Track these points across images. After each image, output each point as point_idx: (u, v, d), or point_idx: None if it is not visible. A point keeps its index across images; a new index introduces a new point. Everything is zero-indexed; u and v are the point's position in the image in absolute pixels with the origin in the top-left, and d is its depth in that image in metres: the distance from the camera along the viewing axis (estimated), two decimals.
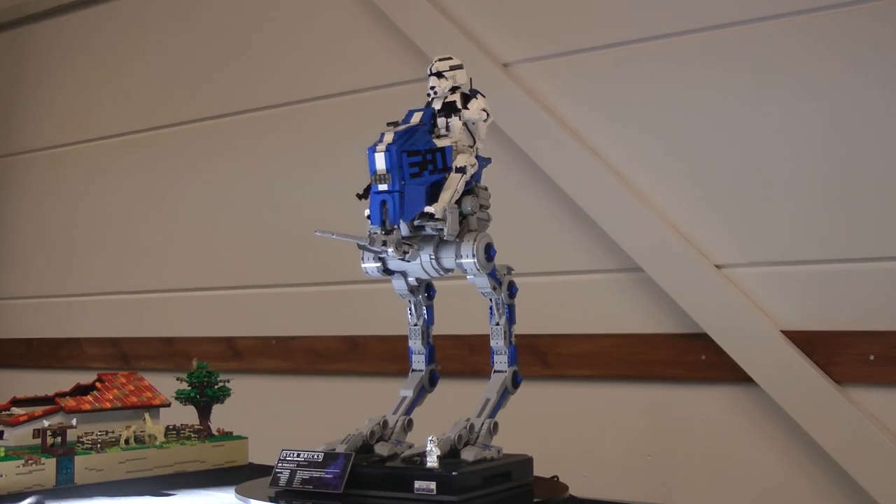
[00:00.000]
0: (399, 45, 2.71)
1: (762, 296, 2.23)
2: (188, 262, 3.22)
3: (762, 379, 2.21)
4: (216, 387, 2.04)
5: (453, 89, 1.54)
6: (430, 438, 1.46)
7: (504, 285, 1.57)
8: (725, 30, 2.28)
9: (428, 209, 1.45)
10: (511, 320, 1.58)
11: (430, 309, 1.62)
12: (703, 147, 2.33)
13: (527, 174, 2.52)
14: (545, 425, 2.45)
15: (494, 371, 1.59)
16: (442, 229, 1.46)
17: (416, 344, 1.62)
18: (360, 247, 1.44)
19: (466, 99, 1.55)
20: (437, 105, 1.54)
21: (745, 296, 2.23)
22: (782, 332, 2.19)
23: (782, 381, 2.18)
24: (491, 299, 1.57)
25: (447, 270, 1.53)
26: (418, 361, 1.62)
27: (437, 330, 1.67)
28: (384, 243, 1.42)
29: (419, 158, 1.42)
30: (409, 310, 1.61)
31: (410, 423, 1.60)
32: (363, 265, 1.53)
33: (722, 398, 2.29)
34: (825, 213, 2.17)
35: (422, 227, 1.46)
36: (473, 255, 1.50)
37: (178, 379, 2.03)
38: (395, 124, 1.50)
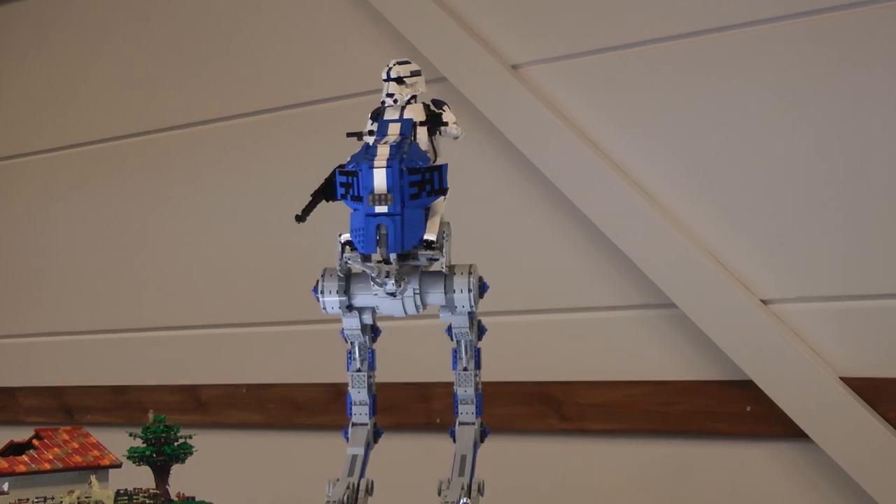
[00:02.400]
0: (392, 44, 2.74)
1: (817, 336, 2.23)
2: (143, 298, 3.22)
3: (817, 434, 2.20)
4: (176, 444, 2.02)
5: (411, 98, 1.56)
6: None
7: (475, 325, 1.59)
8: (770, 25, 2.29)
9: (428, 236, 1.46)
10: (478, 365, 1.60)
11: (372, 353, 1.63)
12: (743, 162, 2.34)
13: (537, 192, 2.53)
14: (562, 487, 2.47)
15: (460, 423, 1.61)
16: (438, 259, 1.48)
17: (360, 394, 1.62)
18: (374, 280, 1.46)
19: (439, 109, 1.57)
20: (392, 114, 1.55)
21: (797, 336, 2.24)
22: (841, 378, 2.19)
23: (841, 437, 2.17)
24: (461, 341, 1.59)
25: (423, 307, 1.55)
26: (361, 414, 1.63)
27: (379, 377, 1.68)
28: (387, 275, 1.44)
29: (419, 178, 1.43)
30: (352, 353, 1.61)
31: (372, 485, 1.60)
32: (324, 299, 1.54)
33: (770, 456, 2.29)
34: (890, 239, 2.18)
35: (406, 257, 1.47)
36: (470, 290, 1.52)
37: (130, 435, 2.01)
38: (358, 135, 1.53)
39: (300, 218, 1.52)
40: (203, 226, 3.14)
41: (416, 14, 2.67)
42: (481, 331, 1.60)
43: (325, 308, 1.55)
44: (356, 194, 1.43)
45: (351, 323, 1.58)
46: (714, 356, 2.33)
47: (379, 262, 1.43)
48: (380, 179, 1.41)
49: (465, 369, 1.59)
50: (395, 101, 1.55)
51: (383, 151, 1.43)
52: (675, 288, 2.35)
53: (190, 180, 3.17)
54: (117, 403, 3.20)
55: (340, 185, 1.43)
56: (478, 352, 1.60)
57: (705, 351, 2.34)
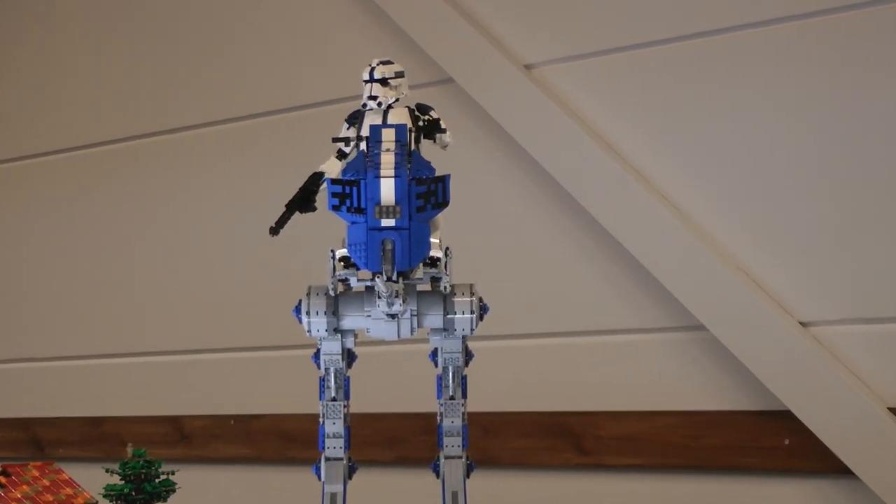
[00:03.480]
0: (394, 42, 2.73)
1: (862, 362, 2.22)
2: (120, 320, 3.21)
3: (863, 470, 2.19)
4: (157, 480, 1.99)
5: (393, 101, 1.58)
6: None
7: (463, 351, 1.60)
8: (807, 21, 2.31)
9: (435, 253, 1.48)
10: (465, 393, 1.61)
11: (347, 380, 1.63)
12: (778, 170, 2.34)
13: (552, 203, 2.54)
14: None
15: (445, 457, 1.62)
16: (440, 278, 1.50)
17: (335, 425, 1.62)
18: (382, 299, 1.45)
19: (423, 114, 1.59)
20: (374, 119, 1.57)
21: (840, 362, 2.23)
22: (889, 409, 2.18)
23: (889, 473, 2.16)
24: (448, 368, 1.60)
25: (413, 330, 1.56)
26: (335, 448, 1.63)
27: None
28: (396, 294, 1.43)
29: (424, 189, 1.43)
30: (325, 381, 1.62)
31: None
32: (310, 320, 1.54)
33: (810, 494, 2.28)
34: None
35: (404, 275, 1.46)
36: (472, 312, 1.54)
37: (107, 471, 1.98)
38: (346, 141, 1.55)
39: (274, 230, 1.54)
40: (185, 242, 3.13)
41: (421, 10, 2.68)
42: (469, 356, 1.61)
43: (309, 331, 1.55)
44: (356, 206, 1.43)
45: (332, 347, 1.59)
46: (748, 384, 2.32)
47: (387, 280, 1.43)
48: (387, 190, 1.41)
49: (452, 398, 1.61)
50: (380, 104, 1.57)
51: (388, 160, 1.43)
52: (704, 309, 2.35)
53: (170, 194, 3.16)
54: (92, 436, 3.19)
55: (333, 195, 1.42)
56: (464, 379, 1.61)
57: (738, 378, 2.34)
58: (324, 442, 1.63)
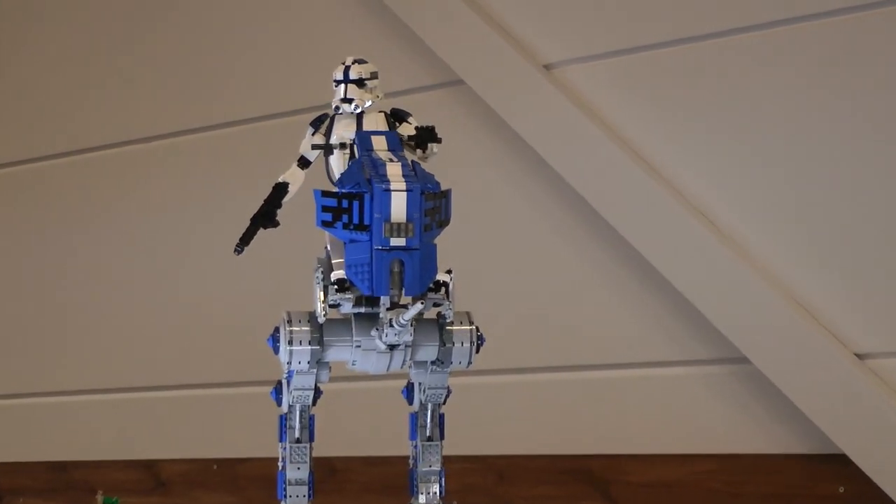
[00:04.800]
0: (396, 42, 2.73)
1: None
2: (89, 352, 3.19)
3: None
4: None
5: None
6: None
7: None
8: (841, 18, 2.30)
9: (442, 277, 1.47)
10: (443, 434, 1.63)
11: (312, 419, 1.64)
12: (828, 182, 2.32)
13: (574, 220, 2.53)
14: None
15: None
16: (441, 304, 1.48)
17: (299, 471, 1.62)
18: (402, 326, 1.45)
19: (400, 121, 1.59)
20: (347, 125, 1.58)
21: None
22: None
23: None
24: (428, 405, 1.61)
25: (404, 363, 1.56)
26: (299, 496, 1.63)
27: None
28: (404, 323, 1.43)
29: (432, 205, 1.44)
30: (288, 420, 1.62)
31: None
32: (291, 348, 1.52)
33: None
34: None
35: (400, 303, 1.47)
36: (472, 343, 1.55)
37: None
38: (327, 148, 1.57)
39: (239, 248, 1.57)
40: (157, 264, 3.12)
41: (430, 7, 2.68)
42: (447, 392, 1.62)
43: (290, 362, 1.54)
44: (357, 222, 1.43)
45: (305, 381, 1.58)
46: (797, 423, 2.31)
47: (392, 306, 1.43)
48: (399, 205, 1.41)
49: (430, 439, 1.62)
50: (356, 107, 1.57)
51: (395, 171, 1.43)
52: (747, 339, 2.33)
53: (140, 209, 3.16)
54: (57, 483, 3.19)
55: (325, 209, 1.43)
56: (442, 418, 1.62)
57: (786, 417, 2.32)
58: (284, 490, 1.63)
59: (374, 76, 1.60)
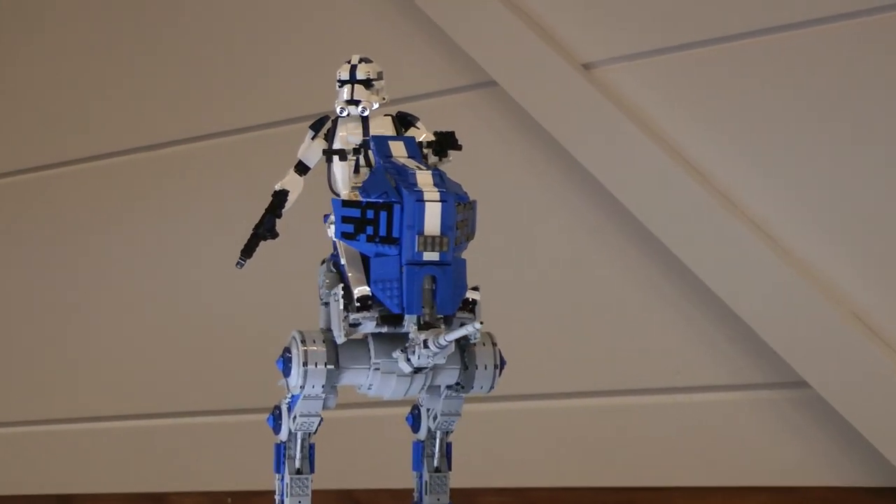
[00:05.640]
0: (426, 42, 2.73)
1: None
2: (90, 377, 3.19)
3: None
4: None
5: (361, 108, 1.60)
6: None
7: None
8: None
9: (472, 295, 1.48)
10: (450, 465, 1.64)
11: (312, 448, 1.63)
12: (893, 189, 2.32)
13: (614, 230, 2.52)
14: None
15: None
16: (465, 323, 1.46)
17: None
18: (441, 347, 1.44)
19: (407, 126, 1.62)
20: (352, 129, 1.59)
21: None
22: None
23: None
24: (438, 433, 1.62)
25: (423, 388, 1.58)
26: None
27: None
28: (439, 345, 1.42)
29: (461, 217, 1.46)
30: (287, 449, 1.62)
31: None
32: (306, 369, 1.52)
33: None
34: None
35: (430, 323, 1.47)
36: (496, 366, 1.55)
37: None
38: (340, 154, 1.56)
39: (241, 261, 1.59)
40: (168, 281, 3.12)
41: (462, 5, 2.68)
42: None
43: (302, 385, 1.53)
44: (385, 234, 1.43)
45: (313, 407, 1.57)
46: (862, 454, 2.29)
47: (423, 326, 1.43)
48: (433, 217, 1.41)
49: (438, 470, 1.62)
50: (363, 110, 1.57)
51: (426, 180, 1.43)
52: (807, 361, 2.31)
53: (146, 229, 3.16)
54: None
55: (345, 220, 1.43)
56: (449, 447, 1.63)
57: (850, 447, 2.31)
58: None
59: (380, 76, 1.60)
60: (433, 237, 1.42)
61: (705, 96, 2.46)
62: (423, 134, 1.58)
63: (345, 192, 1.56)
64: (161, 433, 3.09)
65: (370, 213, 1.43)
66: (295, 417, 1.58)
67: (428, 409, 1.60)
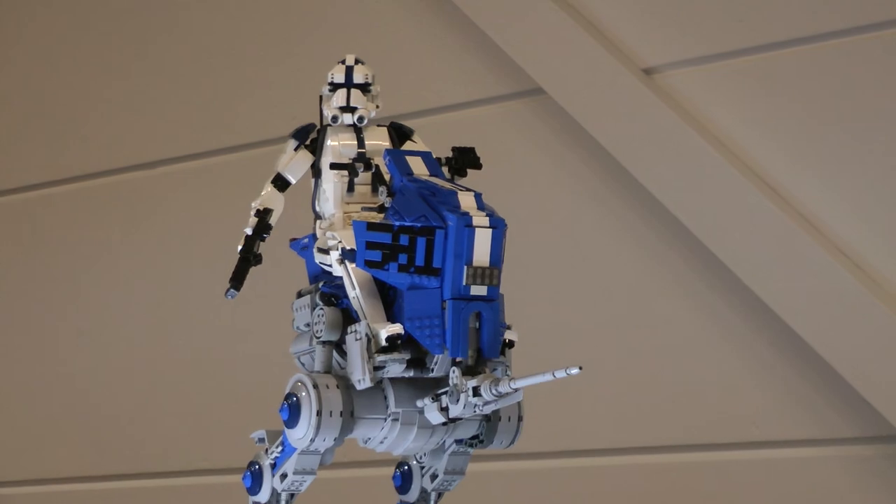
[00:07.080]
0: (466, 47, 2.74)
1: None
2: (85, 435, 3.23)
3: None
4: None
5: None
6: None
7: None
8: None
9: (509, 335, 1.45)
10: None
11: None
12: None
13: (678, 258, 2.52)
14: None
15: None
16: (497, 369, 1.46)
17: None
18: (500, 395, 1.40)
19: (403, 139, 1.61)
20: (345, 139, 1.58)
21: None
22: None
23: None
24: (432, 496, 1.60)
25: (441, 442, 1.58)
26: None
27: None
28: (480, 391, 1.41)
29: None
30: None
31: None
32: (321, 419, 1.47)
33: None
34: None
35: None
36: (520, 419, 1.54)
37: None
38: (351, 169, 1.54)
39: (233, 291, 1.55)
40: (164, 326, 3.15)
41: (506, 6, 2.68)
42: None
43: (313, 437, 1.48)
44: (424, 264, 1.40)
45: (309, 463, 1.53)
46: None
47: (466, 370, 1.40)
48: (483, 245, 1.39)
49: None
50: (360, 118, 1.56)
51: (469, 202, 1.40)
52: None
53: (135, 240, 3.19)
54: None
55: (370, 245, 1.40)
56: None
57: None
58: None
59: (375, 80, 1.58)
60: (483, 269, 1.39)
61: (780, 104, 2.47)
62: (422, 147, 1.58)
63: (357, 215, 1.51)
64: (156, 494, 3.14)
65: (404, 239, 1.40)
66: (285, 475, 1.53)
67: (424, 467, 1.56)
